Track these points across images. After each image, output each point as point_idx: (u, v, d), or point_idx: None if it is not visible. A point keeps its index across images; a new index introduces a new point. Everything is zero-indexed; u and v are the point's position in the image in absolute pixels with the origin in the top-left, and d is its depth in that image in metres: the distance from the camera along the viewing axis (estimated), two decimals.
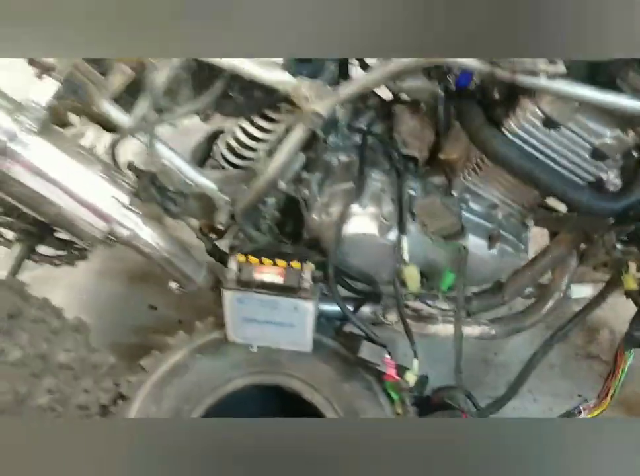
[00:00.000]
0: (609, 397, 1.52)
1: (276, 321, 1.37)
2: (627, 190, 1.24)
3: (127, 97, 1.40)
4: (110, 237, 1.31)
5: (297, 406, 1.45)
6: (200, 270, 1.41)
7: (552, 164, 1.23)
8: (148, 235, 1.31)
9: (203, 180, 1.40)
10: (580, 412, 1.54)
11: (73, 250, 1.68)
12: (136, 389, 1.37)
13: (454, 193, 1.38)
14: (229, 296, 1.32)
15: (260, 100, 1.34)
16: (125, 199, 1.28)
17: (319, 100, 1.22)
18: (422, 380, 1.70)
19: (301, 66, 1.24)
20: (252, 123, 1.46)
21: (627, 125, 1.18)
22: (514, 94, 1.21)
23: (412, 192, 1.37)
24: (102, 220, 1.28)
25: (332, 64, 1.30)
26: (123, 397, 1.36)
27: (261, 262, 1.34)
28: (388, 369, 1.35)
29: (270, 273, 1.32)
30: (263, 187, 1.35)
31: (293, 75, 1.24)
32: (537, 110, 1.17)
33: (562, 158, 1.23)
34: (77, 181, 1.26)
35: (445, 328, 1.53)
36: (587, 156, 1.22)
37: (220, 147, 1.56)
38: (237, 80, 1.32)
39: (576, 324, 1.57)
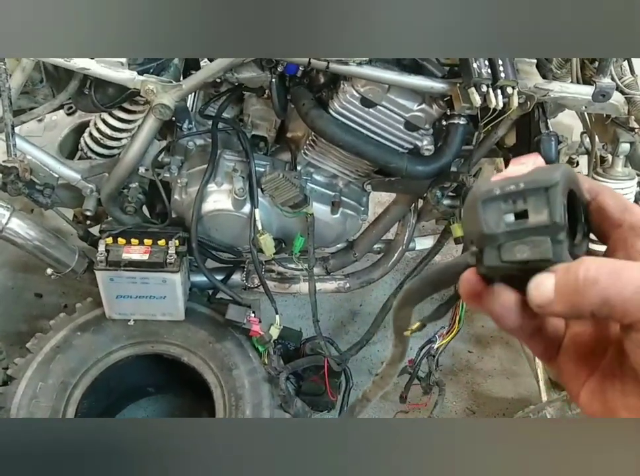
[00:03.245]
0: (456, 323, 1.77)
1: (149, 295, 1.51)
2: (439, 154, 1.47)
3: None
4: None
5: (177, 369, 1.61)
6: (72, 254, 1.52)
7: (374, 137, 1.44)
8: (17, 225, 1.41)
9: (67, 171, 1.51)
10: (436, 340, 1.78)
11: None
12: (22, 370, 1.48)
13: (299, 167, 1.56)
14: (100, 276, 1.45)
15: (113, 96, 1.45)
16: None
17: (164, 93, 1.36)
18: (296, 334, 1.91)
19: (148, 64, 1.38)
20: (112, 115, 1.58)
21: (431, 100, 1.40)
22: (336, 78, 1.40)
23: (261, 169, 1.54)
24: None
25: (178, 61, 1.45)
26: (11, 378, 1.47)
27: (129, 243, 1.48)
28: (252, 326, 1.54)
29: (137, 252, 1.46)
30: (122, 174, 1.47)
31: (140, 73, 1.37)
32: (354, 92, 1.37)
33: (382, 132, 1.43)
34: None
35: (306, 286, 1.72)
36: (402, 128, 1.43)
37: (85, 138, 1.67)
38: (91, 78, 1.43)
39: (420, 271, 1.81)
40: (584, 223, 0.41)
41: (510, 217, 0.39)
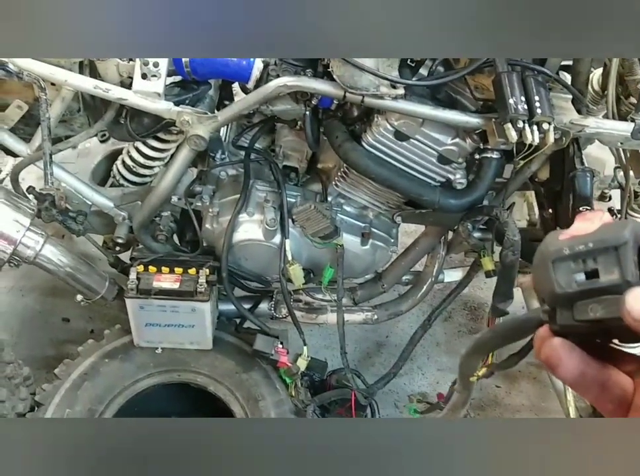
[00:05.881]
0: (489, 359, 1.73)
1: (178, 323, 1.51)
2: (472, 187, 1.46)
3: (26, 128, 1.51)
4: (14, 257, 1.41)
5: (204, 398, 1.60)
6: (102, 281, 1.53)
7: (406, 170, 1.43)
8: (50, 252, 1.43)
9: (100, 199, 1.53)
10: None
11: None
12: (50, 396, 1.49)
13: (329, 198, 1.56)
14: (130, 304, 1.46)
15: (149, 125, 1.47)
16: (26, 221, 1.39)
17: (199, 124, 1.37)
18: (322, 365, 1.89)
19: (183, 96, 1.40)
20: (146, 144, 1.60)
21: (464, 134, 1.40)
22: (370, 112, 1.41)
23: (292, 200, 1.54)
24: (6, 242, 1.38)
25: (213, 93, 1.47)
26: (39, 404, 1.47)
27: (159, 271, 1.49)
28: (280, 357, 1.53)
29: (167, 280, 1.46)
30: (156, 203, 1.48)
31: (176, 104, 1.38)
32: (388, 125, 1.37)
33: (415, 165, 1.43)
34: None
35: (334, 317, 1.71)
36: (435, 161, 1.43)
37: (118, 166, 1.69)
38: (127, 108, 1.45)
39: (449, 304, 1.79)
40: None
41: (581, 276, 0.39)
